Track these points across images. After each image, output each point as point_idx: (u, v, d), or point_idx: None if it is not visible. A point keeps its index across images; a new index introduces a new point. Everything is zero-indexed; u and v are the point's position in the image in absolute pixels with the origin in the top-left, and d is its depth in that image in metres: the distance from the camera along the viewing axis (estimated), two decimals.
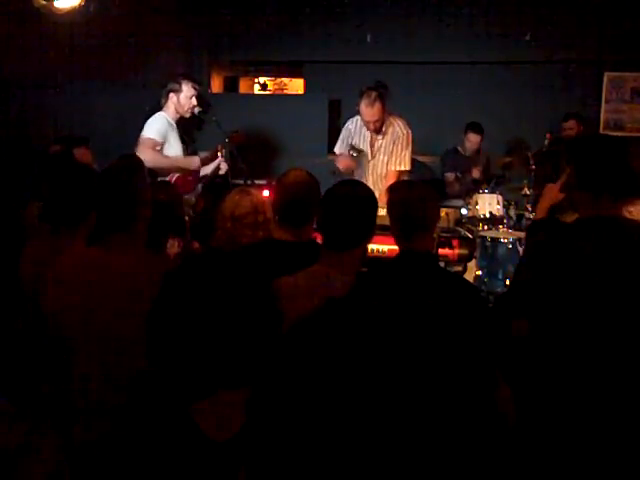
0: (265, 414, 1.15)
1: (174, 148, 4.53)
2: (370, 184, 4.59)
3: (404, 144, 4.56)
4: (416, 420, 1.03)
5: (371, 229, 2.31)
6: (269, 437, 1.13)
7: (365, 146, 4.65)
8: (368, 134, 4.62)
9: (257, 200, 2.95)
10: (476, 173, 5.81)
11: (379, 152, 4.62)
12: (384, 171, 4.62)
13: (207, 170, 4.80)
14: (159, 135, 4.43)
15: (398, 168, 4.57)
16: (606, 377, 2.06)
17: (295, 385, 1.07)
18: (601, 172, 2.14)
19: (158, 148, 4.43)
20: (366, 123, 4.51)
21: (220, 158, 4.79)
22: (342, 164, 4.55)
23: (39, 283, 2.38)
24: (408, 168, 4.60)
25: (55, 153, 3.98)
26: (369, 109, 4.40)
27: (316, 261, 2.28)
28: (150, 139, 4.41)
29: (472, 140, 6.06)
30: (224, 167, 4.80)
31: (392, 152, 4.57)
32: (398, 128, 4.56)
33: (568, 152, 2.31)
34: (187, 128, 4.77)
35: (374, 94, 4.35)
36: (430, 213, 2.44)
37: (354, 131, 4.69)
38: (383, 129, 4.55)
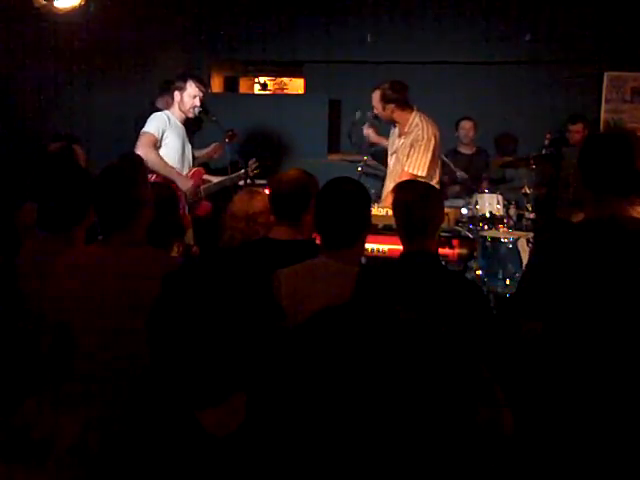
0: (263, 415, 1.14)
1: (169, 147, 4.47)
2: (387, 181, 4.61)
3: (422, 149, 4.34)
4: (417, 425, 1.02)
5: (365, 224, 2.30)
6: (266, 436, 1.12)
7: (392, 141, 4.69)
8: (396, 130, 4.61)
9: (267, 200, 2.95)
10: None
11: (398, 151, 4.56)
12: (401, 170, 4.52)
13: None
14: (157, 131, 4.40)
15: (411, 171, 4.34)
16: (614, 377, 2.05)
17: (299, 385, 1.06)
18: (603, 171, 2.13)
19: (158, 145, 4.41)
20: None
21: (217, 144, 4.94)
22: (367, 132, 4.90)
23: (38, 284, 2.38)
24: (422, 174, 4.29)
25: (53, 151, 3.97)
26: (372, 95, 4.47)
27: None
28: (148, 134, 4.38)
29: (466, 127, 6.09)
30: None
31: (408, 154, 4.40)
32: (421, 132, 4.38)
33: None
34: (187, 128, 4.75)
35: (385, 85, 4.41)
36: (433, 215, 2.43)
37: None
38: (406, 129, 4.45)
